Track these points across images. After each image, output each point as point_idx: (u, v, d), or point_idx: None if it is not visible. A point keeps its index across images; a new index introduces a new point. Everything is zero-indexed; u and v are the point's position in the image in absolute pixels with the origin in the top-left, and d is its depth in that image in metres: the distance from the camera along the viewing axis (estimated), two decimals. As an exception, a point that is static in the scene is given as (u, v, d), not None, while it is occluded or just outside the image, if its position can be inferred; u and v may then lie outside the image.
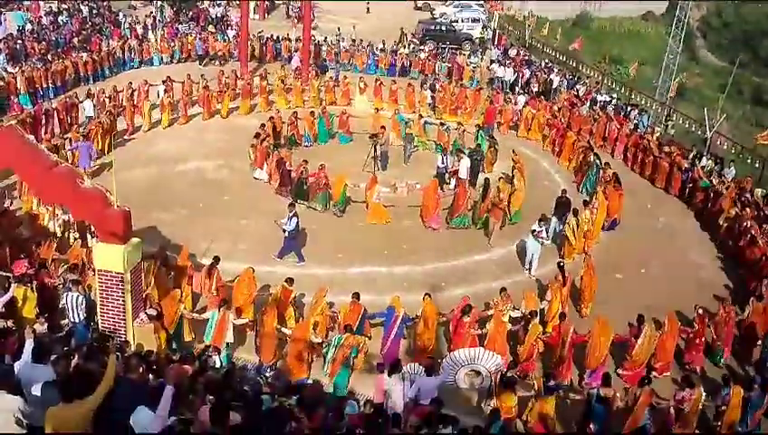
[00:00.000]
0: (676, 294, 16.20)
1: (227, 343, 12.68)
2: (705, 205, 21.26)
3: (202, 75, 27.61)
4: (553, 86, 32.68)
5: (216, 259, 14.22)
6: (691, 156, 23.73)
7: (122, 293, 10.97)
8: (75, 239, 15.55)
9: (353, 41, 37.25)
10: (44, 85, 26.06)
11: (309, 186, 19.48)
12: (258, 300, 13.91)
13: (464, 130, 24.43)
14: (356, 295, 13.57)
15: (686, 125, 29.76)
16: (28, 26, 33.72)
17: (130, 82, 25.53)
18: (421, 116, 25.93)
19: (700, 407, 11.75)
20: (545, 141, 26.16)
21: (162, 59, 32.61)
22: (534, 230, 16.86)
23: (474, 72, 34.20)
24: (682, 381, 12.22)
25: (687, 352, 14.10)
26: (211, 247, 16.45)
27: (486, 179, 19.67)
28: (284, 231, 16.41)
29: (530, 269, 17.14)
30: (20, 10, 36.66)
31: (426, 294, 13.93)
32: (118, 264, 10.76)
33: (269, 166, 20.71)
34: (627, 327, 13.76)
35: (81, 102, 24.06)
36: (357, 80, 29.70)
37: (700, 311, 14.10)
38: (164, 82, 26.00)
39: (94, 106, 23.84)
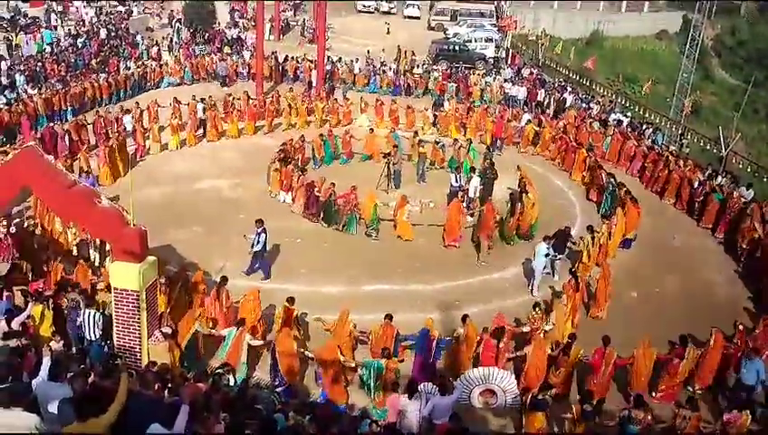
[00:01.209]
0: (693, 313, 16.11)
1: (243, 363, 12.66)
2: (720, 219, 21.16)
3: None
4: (567, 105, 32.73)
5: (224, 279, 14.19)
6: (706, 174, 23.60)
7: (138, 311, 11.05)
8: (87, 258, 15.70)
9: (368, 62, 37.58)
10: (63, 108, 26.37)
11: (338, 208, 19.48)
12: (267, 319, 13.91)
13: (459, 147, 24.66)
14: (389, 317, 13.37)
15: (701, 144, 29.68)
16: (47, 48, 34.29)
17: (137, 103, 25.91)
18: (416, 134, 26.09)
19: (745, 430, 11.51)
20: (555, 157, 26.41)
21: (172, 81, 32.99)
22: (546, 254, 16.82)
23: (482, 90, 34.41)
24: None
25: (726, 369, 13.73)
26: (226, 266, 16.60)
27: (512, 195, 19.80)
28: (252, 247, 16.44)
29: (534, 290, 17.07)
30: (47, 29, 37.60)
31: (464, 316, 13.72)
32: (134, 282, 10.86)
33: (295, 189, 20.58)
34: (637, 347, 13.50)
35: (122, 117, 24.98)
36: (359, 100, 29.96)
37: (741, 326, 13.96)
38: (172, 102, 26.38)
39: (132, 121, 24.72)
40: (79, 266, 14.46)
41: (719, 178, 23.31)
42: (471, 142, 25.38)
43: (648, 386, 13.15)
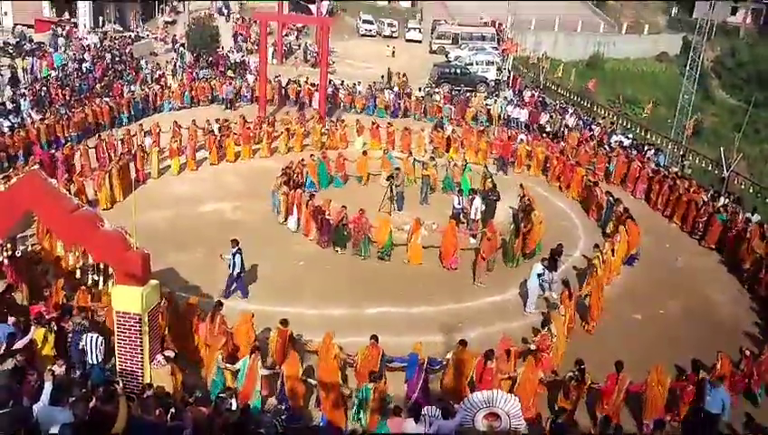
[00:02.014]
0: (698, 335, 16.05)
1: (257, 391, 12.49)
2: (724, 239, 21.17)
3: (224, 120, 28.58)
4: (569, 127, 32.89)
5: (219, 304, 14.10)
6: (709, 195, 23.63)
7: (140, 334, 11.03)
8: (95, 281, 15.71)
9: (369, 85, 37.91)
10: (65, 135, 26.39)
11: (350, 232, 19.41)
12: (263, 343, 13.80)
13: (454, 165, 24.87)
14: (374, 338, 13.30)
15: (703, 165, 29.73)
16: (52, 73, 34.59)
17: (141, 125, 26.08)
18: (410, 154, 26.19)
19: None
20: (548, 176, 26.76)
21: (174, 105, 33.22)
22: (539, 274, 16.81)
23: (477, 112, 34.72)
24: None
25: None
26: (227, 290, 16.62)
27: (515, 215, 19.86)
28: (229, 267, 16.45)
29: (529, 306, 17.04)
30: (57, 52, 38.11)
31: (461, 341, 13.62)
32: (136, 305, 10.85)
33: (304, 215, 20.46)
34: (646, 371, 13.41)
35: (143, 138, 25.58)
36: (355, 122, 30.11)
37: (747, 352, 13.84)
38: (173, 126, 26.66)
39: (152, 142, 25.27)
40: (80, 290, 14.45)
41: (722, 200, 23.32)
42: (467, 163, 25.49)
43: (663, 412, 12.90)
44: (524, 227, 19.86)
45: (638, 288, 18.67)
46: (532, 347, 13.92)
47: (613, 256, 18.59)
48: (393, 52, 51.87)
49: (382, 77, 40.86)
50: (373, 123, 29.96)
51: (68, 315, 12.95)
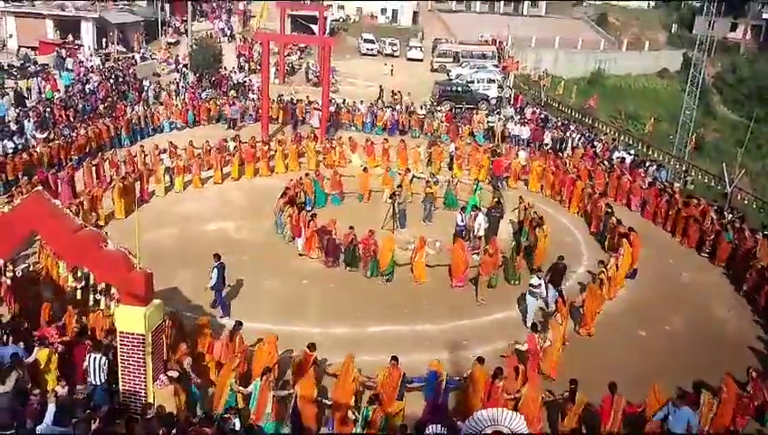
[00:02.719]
0: (704, 353, 15.98)
1: (267, 413, 12.31)
2: (732, 258, 21.10)
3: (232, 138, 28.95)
4: (573, 144, 32.98)
5: (239, 324, 14.09)
6: (712, 211, 23.60)
7: (143, 354, 11.01)
8: (96, 301, 15.71)
9: (371, 103, 38.09)
10: (67, 157, 26.26)
11: (360, 253, 19.34)
12: (282, 364, 13.79)
13: (457, 182, 25.00)
14: (394, 359, 13.16)
15: (706, 180, 29.72)
16: (56, 94, 34.83)
17: (142, 146, 26.20)
18: (408, 170, 26.27)
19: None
20: (548, 191, 26.92)
21: (176, 124, 33.39)
22: (532, 285, 16.82)
23: (476, 129, 34.87)
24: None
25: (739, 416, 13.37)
26: (232, 307, 16.66)
27: (516, 234, 19.87)
28: (210, 282, 16.51)
29: (527, 321, 16.96)
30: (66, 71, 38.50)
31: (478, 358, 13.55)
32: (139, 325, 10.84)
33: (306, 235, 20.33)
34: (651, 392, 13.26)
35: (159, 156, 26.06)
36: (348, 140, 30.22)
37: (754, 374, 13.68)
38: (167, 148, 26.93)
39: (170, 159, 25.65)
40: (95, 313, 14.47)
41: (727, 216, 23.27)
42: (478, 182, 25.50)
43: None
44: (529, 241, 19.81)
45: (642, 304, 18.59)
46: (522, 348, 14.12)
47: (617, 270, 18.60)
48: (392, 70, 52.20)
49: (379, 96, 41.15)
50: (367, 140, 30.04)
51: (84, 338, 12.92)
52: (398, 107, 37.84)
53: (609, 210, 22.51)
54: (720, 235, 21.79)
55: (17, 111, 30.65)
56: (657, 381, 12.90)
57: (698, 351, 16.19)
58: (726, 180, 27.17)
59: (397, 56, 61.49)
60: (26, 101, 33.78)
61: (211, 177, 26.53)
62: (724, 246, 21.48)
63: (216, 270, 16.47)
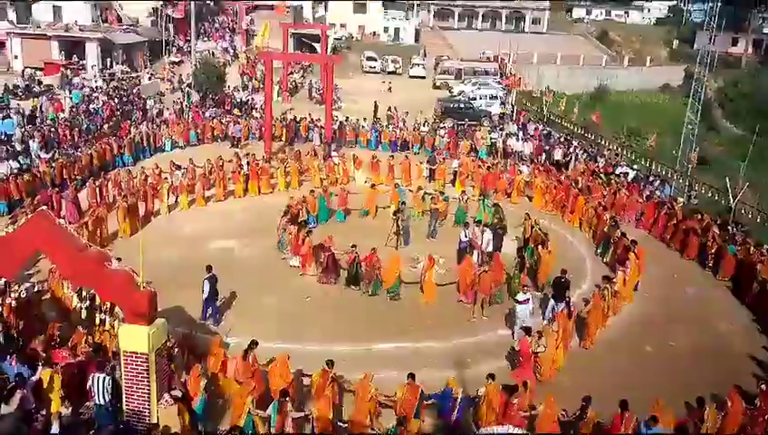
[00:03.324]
0: (710, 368, 15.89)
1: None
2: (737, 273, 21.06)
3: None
4: (576, 159, 33.04)
5: (254, 343, 13.99)
6: (715, 226, 23.57)
7: (147, 374, 10.98)
8: (101, 322, 15.68)
9: (375, 120, 38.31)
10: (71, 177, 26.24)
11: (363, 271, 19.21)
12: (297, 384, 13.79)
13: (467, 199, 25.07)
14: (411, 376, 13.16)
15: (709, 195, 29.69)
16: (61, 114, 35.03)
17: (142, 168, 26.35)
18: (420, 188, 26.34)
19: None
20: (550, 206, 27.02)
21: (179, 143, 33.54)
22: (517, 300, 16.83)
23: (477, 145, 35.03)
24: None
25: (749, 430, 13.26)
26: (236, 325, 16.59)
27: (519, 250, 19.86)
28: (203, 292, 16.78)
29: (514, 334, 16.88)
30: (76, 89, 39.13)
31: (489, 375, 13.53)
32: (143, 345, 10.82)
33: (302, 251, 20.24)
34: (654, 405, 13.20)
35: (173, 172, 26.37)
36: (351, 156, 30.31)
37: (764, 387, 13.59)
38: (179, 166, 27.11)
39: (183, 175, 26.23)
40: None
41: (730, 230, 23.21)
42: (485, 197, 25.59)
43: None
44: (534, 259, 19.82)
45: (647, 318, 18.54)
46: (516, 347, 14.42)
47: (625, 285, 18.60)
48: (389, 87, 52.51)
49: (375, 113, 41.41)
50: (373, 157, 30.11)
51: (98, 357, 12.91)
52: (400, 124, 38.00)
53: (614, 223, 22.56)
54: (723, 249, 21.75)
55: (22, 130, 30.80)
56: (664, 398, 12.84)
57: (704, 366, 16.08)
58: (730, 194, 27.13)
59: (399, 74, 61.91)
60: (36, 120, 34.01)
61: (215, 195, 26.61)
62: (728, 260, 21.42)
63: (206, 281, 16.73)
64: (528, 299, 16.88)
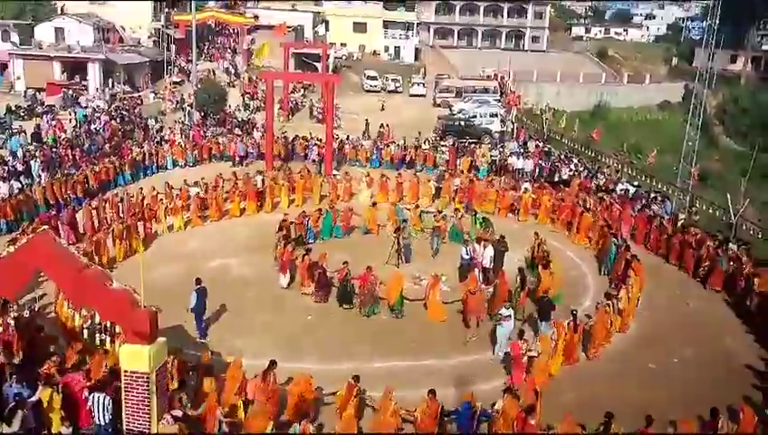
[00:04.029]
0: (716, 383, 15.82)
1: None
2: (731, 285, 21.33)
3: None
4: (579, 177, 33.09)
5: (273, 363, 13.93)
6: (716, 241, 23.56)
7: (148, 393, 10.93)
8: (102, 342, 15.65)
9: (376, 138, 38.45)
10: (65, 196, 26.16)
11: (358, 292, 19.03)
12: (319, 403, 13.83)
13: (461, 216, 25.13)
14: (432, 392, 13.30)
15: (710, 211, 29.69)
16: (63, 135, 35.17)
17: (140, 189, 26.54)
18: (417, 205, 26.38)
19: None
20: (555, 224, 27.09)
21: (179, 163, 33.63)
22: (500, 315, 16.78)
23: (477, 162, 35.14)
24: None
25: None
26: (237, 344, 16.54)
27: (521, 269, 19.90)
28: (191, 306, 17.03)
29: (497, 349, 16.85)
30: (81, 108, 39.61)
31: (507, 388, 13.68)
32: (143, 364, 10.79)
33: (300, 270, 20.24)
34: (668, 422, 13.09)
35: (189, 189, 26.90)
36: (363, 175, 30.32)
37: None
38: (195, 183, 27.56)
39: (198, 192, 26.79)
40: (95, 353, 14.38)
41: (731, 245, 23.21)
42: (476, 213, 25.66)
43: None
44: (534, 279, 19.79)
45: (649, 334, 18.51)
46: (534, 354, 14.76)
47: (629, 302, 18.59)
48: (383, 106, 52.87)
49: (365, 130, 41.52)
50: (383, 176, 30.18)
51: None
52: (395, 141, 38.09)
53: (616, 239, 22.66)
54: (713, 261, 22.10)
55: (24, 151, 30.90)
56: (673, 412, 12.93)
57: (709, 381, 16.02)
58: (731, 211, 27.13)
59: (400, 92, 62.17)
60: (40, 138, 34.29)
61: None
62: (717, 272, 21.82)
63: (195, 293, 17.01)
64: (510, 316, 16.80)
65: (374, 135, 40.97)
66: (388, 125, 42.04)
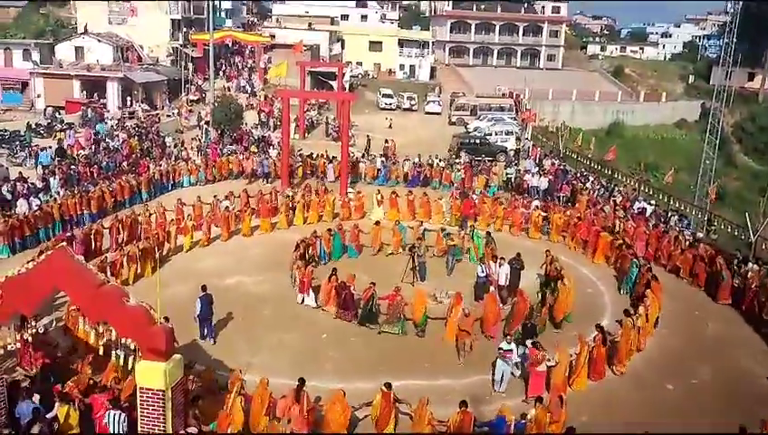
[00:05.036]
0: (735, 405, 15.60)
1: None
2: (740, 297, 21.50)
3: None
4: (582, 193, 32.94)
5: (303, 382, 13.92)
6: (735, 261, 23.33)
7: (163, 410, 10.94)
8: (118, 357, 15.66)
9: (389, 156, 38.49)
10: (78, 213, 26.33)
11: (387, 310, 18.92)
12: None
13: (463, 235, 25.02)
14: (464, 403, 13.45)
15: (729, 230, 29.41)
16: (82, 152, 35.54)
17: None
18: (421, 223, 26.44)
19: None
20: (568, 241, 27.03)
21: (190, 180, 33.76)
22: (501, 349, 16.32)
23: (491, 181, 35.16)
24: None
25: None
26: (252, 362, 16.50)
27: (542, 284, 19.85)
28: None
29: (497, 385, 16.30)
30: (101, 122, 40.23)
31: (537, 398, 13.81)
32: (159, 381, 10.80)
33: (325, 290, 20.18)
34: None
35: (220, 202, 27.23)
36: (374, 192, 30.24)
37: None
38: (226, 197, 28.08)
39: (229, 206, 27.26)
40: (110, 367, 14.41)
41: (749, 265, 22.95)
42: (474, 229, 25.65)
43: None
44: (552, 296, 19.69)
45: (666, 354, 18.32)
46: (552, 363, 15.19)
47: (647, 320, 18.49)
48: (390, 124, 53.08)
49: (367, 147, 41.74)
50: (393, 193, 30.19)
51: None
52: (415, 159, 38.08)
53: (637, 260, 22.57)
54: (721, 275, 22.16)
55: (43, 168, 31.22)
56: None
57: (726, 402, 15.84)
58: (750, 230, 26.86)
59: (415, 110, 62.36)
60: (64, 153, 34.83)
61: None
62: (723, 286, 21.93)
63: (200, 300, 17.75)
64: (512, 350, 16.29)
65: (377, 151, 40.86)
66: (393, 141, 42.03)
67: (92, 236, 23.45)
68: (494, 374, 16.31)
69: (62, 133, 38.84)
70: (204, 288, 18.17)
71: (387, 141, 41.82)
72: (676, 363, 17.87)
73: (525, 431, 13.28)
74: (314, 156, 37.03)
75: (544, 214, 28.25)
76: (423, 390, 15.87)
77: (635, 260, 22.57)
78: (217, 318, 18.95)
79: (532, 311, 19.02)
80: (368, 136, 43.80)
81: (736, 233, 28.90)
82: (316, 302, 20.43)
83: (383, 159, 37.97)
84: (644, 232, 26.11)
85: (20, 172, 30.16)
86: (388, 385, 13.72)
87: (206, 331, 17.95)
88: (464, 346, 17.53)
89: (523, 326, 18.03)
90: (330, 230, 24.68)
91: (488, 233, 25.03)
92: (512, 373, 16.45)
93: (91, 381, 13.79)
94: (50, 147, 34.85)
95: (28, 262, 12.29)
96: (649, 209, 30.47)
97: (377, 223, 26.06)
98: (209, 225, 26.18)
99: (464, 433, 12.98)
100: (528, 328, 17.89)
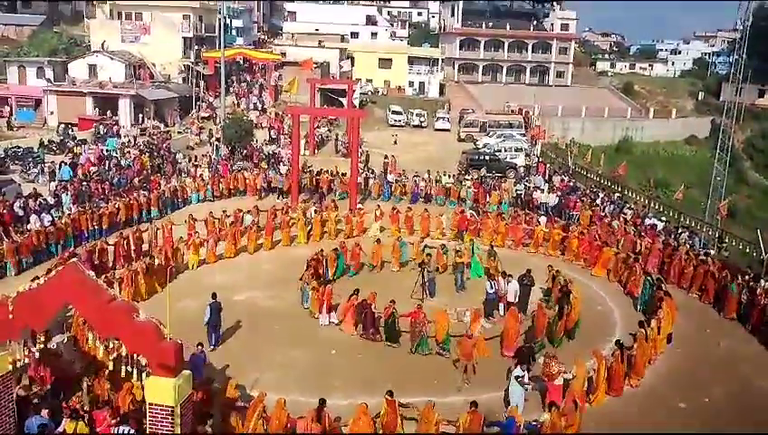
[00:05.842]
0: (749, 424, 15.51)
1: None
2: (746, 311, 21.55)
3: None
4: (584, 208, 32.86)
5: (323, 401, 13.89)
6: (747, 278, 23.17)
7: (172, 426, 10.93)
8: (128, 373, 15.67)
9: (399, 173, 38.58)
10: (90, 228, 26.56)
11: (409, 328, 18.84)
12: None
13: (464, 250, 24.81)
14: (474, 404, 13.66)
15: (740, 247, 29.24)
16: (93, 169, 35.81)
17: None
18: (422, 239, 26.44)
19: None
20: (569, 255, 27.07)
21: (200, 196, 33.87)
22: (518, 376, 15.94)
23: (501, 197, 34.96)
24: None
25: None
26: (261, 378, 16.47)
27: (561, 298, 19.81)
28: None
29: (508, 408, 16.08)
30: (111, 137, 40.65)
31: (551, 402, 13.83)
32: (168, 397, 10.80)
33: (344, 310, 20.16)
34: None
35: (242, 216, 28.14)
36: (374, 208, 30.32)
37: None
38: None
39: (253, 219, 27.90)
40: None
41: (762, 283, 22.79)
42: (474, 242, 25.67)
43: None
44: (565, 310, 19.66)
45: (678, 371, 18.20)
46: (569, 376, 15.20)
47: (659, 333, 18.47)
48: (395, 140, 53.22)
49: (366, 163, 41.87)
50: (393, 208, 30.21)
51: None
52: (424, 176, 38.13)
53: (651, 278, 22.54)
54: (727, 289, 22.21)
55: (56, 184, 31.47)
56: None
57: (739, 422, 15.72)
58: (762, 247, 26.70)
59: (424, 127, 62.52)
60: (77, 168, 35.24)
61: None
62: (731, 299, 21.92)
63: (209, 307, 18.33)
64: (524, 376, 15.88)
65: (377, 167, 40.98)
66: (393, 157, 42.06)
67: (97, 253, 23.39)
68: (507, 398, 15.93)
69: (79, 148, 39.24)
70: (214, 296, 18.67)
71: (386, 157, 41.88)
72: (688, 380, 17.73)
73: (538, 431, 13.33)
74: (319, 172, 37.19)
75: (545, 230, 28.22)
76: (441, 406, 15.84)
77: (648, 278, 22.45)
78: (227, 333, 19.00)
79: (550, 325, 19.01)
80: (366, 152, 43.80)
81: (748, 250, 28.72)
82: (329, 321, 20.42)
83: (382, 174, 38.08)
84: (658, 249, 26.03)
85: (34, 188, 30.38)
86: (391, 393, 13.81)
87: (212, 338, 18.32)
88: (465, 368, 17.35)
89: (517, 351, 17.47)
90: (335, 250, 24.60)
91: (491, 247, 24.99)
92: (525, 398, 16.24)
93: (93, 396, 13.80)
94: (64, 162, 35.13)
95: (33, 279, 12.35)
96: (660, 226, 30.36)
97: (377, 241, 25.93)
98: (233, 238, 26.27)
99: (473, 433, 13.01)
100: (524, 352, 17.31)
